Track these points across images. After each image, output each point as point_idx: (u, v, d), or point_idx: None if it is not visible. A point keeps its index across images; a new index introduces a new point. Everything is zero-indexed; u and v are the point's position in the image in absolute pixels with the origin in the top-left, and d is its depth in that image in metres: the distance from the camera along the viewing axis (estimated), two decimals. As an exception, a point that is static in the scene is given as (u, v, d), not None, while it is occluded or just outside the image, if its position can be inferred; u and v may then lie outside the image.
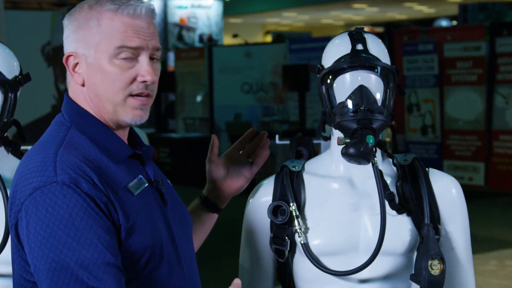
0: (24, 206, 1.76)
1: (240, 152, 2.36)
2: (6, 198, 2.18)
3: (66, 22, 1.93)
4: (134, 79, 1.87)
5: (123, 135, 1.94)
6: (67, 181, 1.75)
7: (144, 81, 1.87)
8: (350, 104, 2.15)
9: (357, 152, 2.09)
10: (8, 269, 2.24)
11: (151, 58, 1.90)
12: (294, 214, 2.20)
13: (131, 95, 1.88)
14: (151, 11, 1.91)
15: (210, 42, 19.57)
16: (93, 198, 1.76)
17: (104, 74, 1.87)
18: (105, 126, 1.90)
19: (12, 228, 1.81)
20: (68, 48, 1.92)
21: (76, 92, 1.93)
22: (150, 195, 1.90)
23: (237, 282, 1.76)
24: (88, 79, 1.89)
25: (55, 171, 1.77)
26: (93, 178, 1.78)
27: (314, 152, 2.44)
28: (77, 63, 1.90)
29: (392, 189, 2.20)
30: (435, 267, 2.11)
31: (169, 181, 2.07)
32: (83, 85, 1.90)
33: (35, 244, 1.73)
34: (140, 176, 1.89)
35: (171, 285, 1.88)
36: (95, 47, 1.87)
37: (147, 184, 1.89)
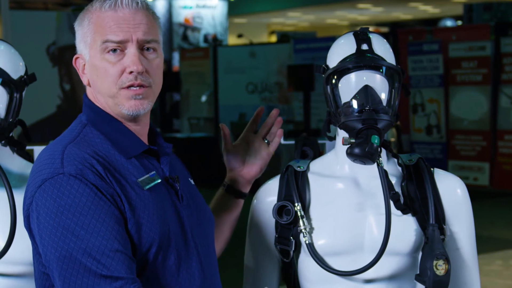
0: (34, 198, 1.82)
1: (255, 134, 2.41)
2: (11, 198, 2.18)
3: (74, 26, 2.01)
4: (123, 71, 1.91)
5: (141, 131, 1.98)
6: (73, 172, 1.80)
7: (131, 72, 1.90)
8: (355, 104, 2.15)
9: (362, 152, 2.09)
10: (15, 269, 2.25)
11: (144, 49, 1.93)
12: (299, 214, 2.20)
13: (123, 88, 1.91)
14: (135, 2, 1.93)
15: (215, 42, 19.57)
16: (99, 188, 1.80)
17: (98, 70, 1.93)
18: (119, 123, 1.95)
19: (25, 221, 1.87)
20: (77, 51, 1.99)
21: (88, 92, 2.00)
22: (164, 190, 1.94)
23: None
24: (90, 78, 1.96)
25: (62, 163, 1.82)
26: (99, 171, 1.83)
27: (319, 152, 2.45)
28: (84, 65, 1.97)
29: (397, 189, 2.20)
30: (440, 267, 2.11)
31: (191, 180, 2.09)
32: (89, 84, 1.97)
33: (45, 234, 1.78)
34: (154, 172, 1.93)
35: (180, 279, 1.90)
36: (90, 45, 1.93)
37: (159, 180, 1.92)
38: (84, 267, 1.75)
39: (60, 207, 1.77)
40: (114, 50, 1.91)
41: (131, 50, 1.91)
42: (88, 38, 1.93)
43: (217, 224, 2.25)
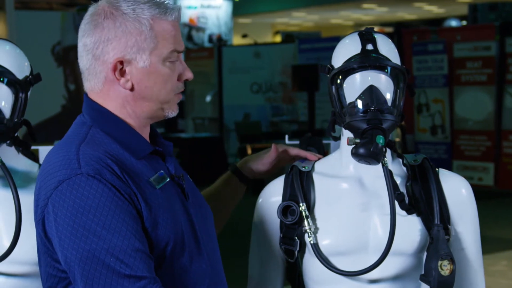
0: (51, 200, 1.81)
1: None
2: (17, 198, 2.19)
3: (99, 26, 1.92)
4: (178, 79, 1.98)
5: (145, 132, 2.00)
6: (92, 172, 1.80)
7: (187, 79, 1.99)
8: (360, 104, 2.15)
9: (367, 152, 2.09)
10: (20, 269, 2.25)
11: None
12: (303, 214, 2.20)
13: (177, 93, 1.99)
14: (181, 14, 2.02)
15: (219, 42, 19.58)
16: (117, 188, 1.81)
17: (158, 77, 1.93)
18: (127, 125, 1.95)
19: (38, 223, 1.85)
20: (110, 53, 1.91)
21: (108, 95, 1.94)
22: (172, 189, 1.95)
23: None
24: (139, 83, 1.93)
25: (79, 164, 1.82)
26: (115, 170, 1.83)
27: (324, 152, 2.45)
28: (123, 68, 1.92)
29: (402, 189, 2.20)
30: (445, 268, 2.11)
31: (189, 177, 2.11)
32: (131, 89, 1.93)
33: (65, 236, 1.78)
34: (162, 171, 1.94)
35: (192, 275, 1.92)
36: (150, 51, 1.92)
37: (168, 179, 1.94)
38: (107, 267, 1.74)
39: (80, 208, 1.77)
40: (175, 60, 1.96)
41: (182, 59, 2.00)
42: (150, 44, 1.91)
43: (216, 203, 2.36)
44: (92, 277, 1.75)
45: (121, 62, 1.91)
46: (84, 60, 1.95)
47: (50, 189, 1.82)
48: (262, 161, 2.45)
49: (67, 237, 1.77)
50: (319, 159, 2.35)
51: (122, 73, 1.92)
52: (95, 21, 1.92)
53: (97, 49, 1.92)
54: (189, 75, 1.99)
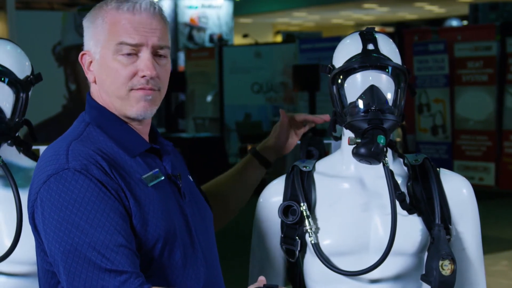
0: (39, 194, 1.84)
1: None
2: (18, 197, 2.19)
3: (83, 23, 2.01)
4: (135, 74, 1.93)
5: (143, 131, 2.00)
6: (78, 168, 1.82)
7: (144, 76, 1.92)
8: (361, 104, 2.15)
9: (368, 152, 2.09)
10: (21, 269, 2.25)
11: (157, 55, 1.95)
12: (304, 214, 2.20)
13: (133, 89, 1.93)
14: (153, 7, 1.95)
15: (220, 42, 19.57)
16: (103, 184, 1.82)
17: (108, 70, 1.93)
18: (123, 122, 1.96)
19: (30, 217, 1.88)
20: (84, 47, 1.99)
21: (92, 90, 2.01)
22: (167, 188, 1.96)
23: (261, 279, 1.82)
24: (98, 76, 1.97)
25: (67, 159, 1.84)
26: (104, 167, 1.84)
27: (325, 152, 2.45)
28: (90, 61, 1.97)
29: (403, 189, 2.20)
30: (446, 268, 2.10)
31: (190, 178, 2.11)
32: (94, 82, 1.98)
33: (50, 229, 1.80)
34: (157, 169, 1.95)
35: (185, 274, 1.92)
36: (102, 44, 1.94)
37: (163, 177, 1.94)
38: (89, 261, 1.76)
39: (65, 202, 1.79)
40: (128, 53, 1.92)
41: (145, 54, 1.93)
42: (101, 37, 1.94)
43: (236, 184, 2.45)
44: (74, 270, 1.77)
45: (87, 55, 1.97)
46: None
47: (39, 183, 1.84)
48: (277, 134, 2.52)
49: (52, 231, 1.79)
50: (324, 121, 2.46)
51: (89, 66, 1.98)
52: (86, 15, 2.01)
53: (84, 45, 2.01)
54: (146, 71, 1.91)
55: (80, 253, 1.76)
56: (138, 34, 1.92)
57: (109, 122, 1.95)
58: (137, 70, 1.93)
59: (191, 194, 2.05)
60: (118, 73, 1.92)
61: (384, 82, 2.17)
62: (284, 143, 2.52)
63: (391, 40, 2.26)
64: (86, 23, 1.99)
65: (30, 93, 2.36)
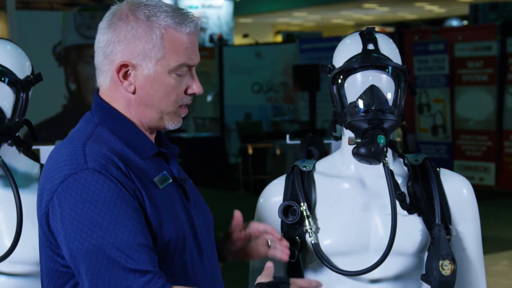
0: (56, 193, 1.82)
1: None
2: (18, 197, 2.19)
3: (112, 27, 1.93)
4: (185, 91, 1.96)
5: (152, 133, 2.01)
6: (98, 168, 1.81)
7: (194, 93, 1.96)
8: (361, 104, 2.15)
9: (368, 152, 2.09)
10: (21, 269, 2.26)
11: None
12: (304, 214, 2.20)
13: (182, 106, 1.97)
14: (200, 26, 1.99)
15: (220, 42, 19.57)
16: (122, 184, 1.82)
17: (161, 86, 1.92)
18: (133, 125, 1.95)
19: (43, 217, 1.86)
20: (118, 54, 1.92)
21: (115, 95, 1.96)
22: (174, 191, 1.96)
23: (269, 265, 1.84)
24: (142, 88, 1.93)
25: (85, 159, 1.83)
26: (121, 167, 1.84)
27: (325, 152, 2.44)
28: (127, 71, 1.92)
29: (403, 189, 2.20)
30: (446, 268, 2.11)
31: (191, 181, 2.11)
32: (133, 92, 1.94)
33: (71, 230, 1.78)
34: (165, 172, 1.95)
35: (191, 276, 1.93)
36: (156, 60, 1.91)
37: (171, 180, 1.95)
38: (113, 261, 1.75)
39: (86, 202, 1.78)
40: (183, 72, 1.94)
41: (194, 73, 1.97)
42: (157, 53, 1.90)
43: None
44: (98, 271, 1.76)
45: (126, 65, 1.91)
46: (96, 56, 1.97)
47: (55, 183, 1.82)
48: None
49: (73, 231, 1.78)
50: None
51: (127, 76, 1.93)
52: (111, 20, 1.93)
53: (107, 48, 1.93)
54: (196, 89, 1.96)
55: (104, 253, 1.75)
56: (195, 56, 1.95)
57: (119, 124, 1.94)
58: (187, 87, 1.96)
59: (194, 197, 2.06)
60: (172, 90, 1.93)
61: (384, 82, 2.17)
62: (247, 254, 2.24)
63: (391, 40, 2.26)
64: (128, 31, 1.91)
65: (30, 93, 2.35)
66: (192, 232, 1.96)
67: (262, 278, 1.87)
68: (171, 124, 1.97)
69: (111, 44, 1.93)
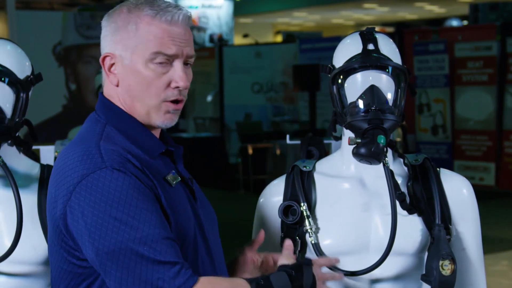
0: (74, 194, 1.81)
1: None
2: (18, 197, 2.19)
3: (104, 23, 1.97)
4: (168, 85, 1.93)
5: (156, 133, 2.00)
6: (117, 166, 1.82)
7: (177, 87, 1.93)
8: (361, 104, 2.15)
9: (368, 152, 2.09)
10: (21, 269, 2.25)
11: (185, 64, 1.96)
12: (305, 214, 2.20)
13: (166, 101, 1.93)
14: (188, 17, 1.95)
15: (220, 42, 19.57)
16: (141, 180, 1.83)
17: (139, 77, 1.92)
18: (140, 124, 1.95)
19: (59, 218, 1.84)
20: (105, 48, 1.96)
21: (110, 92, 1.98)
22: (182, 190, 1.97)
23: (288, 243, 1.86)
24: (123, 80, 1.94)
25: (102, 158, 1.83)
26: (136, 165, 1.85)
27: (325, 152, 2.44)
28: (113, 64, 1.95)
29: (403, 189, 2.20)
30: (446, 268, 2.11)
31: (195, 181, 2.11)
32: (117, 85, 1.95)
33: (95, 228, 1.78)
34: (173, 171, 1.96)
35: (202, 275, 1.91)
36: (132, 50, 1.91)
37: (179, 179, 1.96)
38: (141, 256, 1.76)
39: (109, 200, 1.78)
40: (161, 62, 1.91)
41: (179, 65, 1.93)
42: (133, 43, 1.91)
43: None
44: (127, 266, 1.76)
45: (109, 56, 1.94)
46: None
47: (72, 183, 1.82)
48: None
49: (98, 229, 1.78)
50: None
51: (112, 69, 1.95)
52: (108, 15, 1.97)
53: (102, 44, 1.98)
54: (180, 83, 1.92)
55: (131, 249, 1.76)
56: (174, 45, 1.91)
57: (126, 124, 1.94)
58: (170, 81, 1.93)
59: (200, 198, 2.06)
60: (151, 82, 1.91)
61: (384, 82, 2.17)
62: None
63: (391, 40, 2.26)
64: (111, 24, 1.95)
65: (30, 93, 2.35)
66: (200, 232, 1.97)
67: (283, 260, 1.88)
68: (159, 121, 1.94)
69: (103, 39, 1.97)
